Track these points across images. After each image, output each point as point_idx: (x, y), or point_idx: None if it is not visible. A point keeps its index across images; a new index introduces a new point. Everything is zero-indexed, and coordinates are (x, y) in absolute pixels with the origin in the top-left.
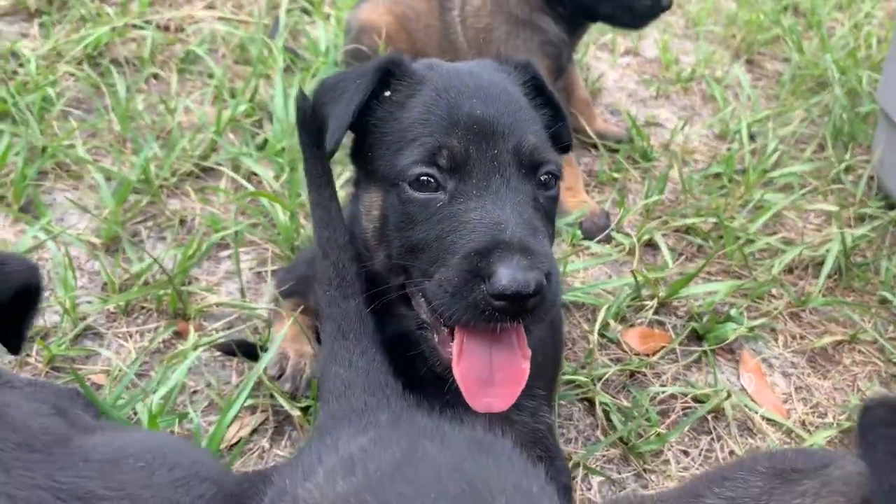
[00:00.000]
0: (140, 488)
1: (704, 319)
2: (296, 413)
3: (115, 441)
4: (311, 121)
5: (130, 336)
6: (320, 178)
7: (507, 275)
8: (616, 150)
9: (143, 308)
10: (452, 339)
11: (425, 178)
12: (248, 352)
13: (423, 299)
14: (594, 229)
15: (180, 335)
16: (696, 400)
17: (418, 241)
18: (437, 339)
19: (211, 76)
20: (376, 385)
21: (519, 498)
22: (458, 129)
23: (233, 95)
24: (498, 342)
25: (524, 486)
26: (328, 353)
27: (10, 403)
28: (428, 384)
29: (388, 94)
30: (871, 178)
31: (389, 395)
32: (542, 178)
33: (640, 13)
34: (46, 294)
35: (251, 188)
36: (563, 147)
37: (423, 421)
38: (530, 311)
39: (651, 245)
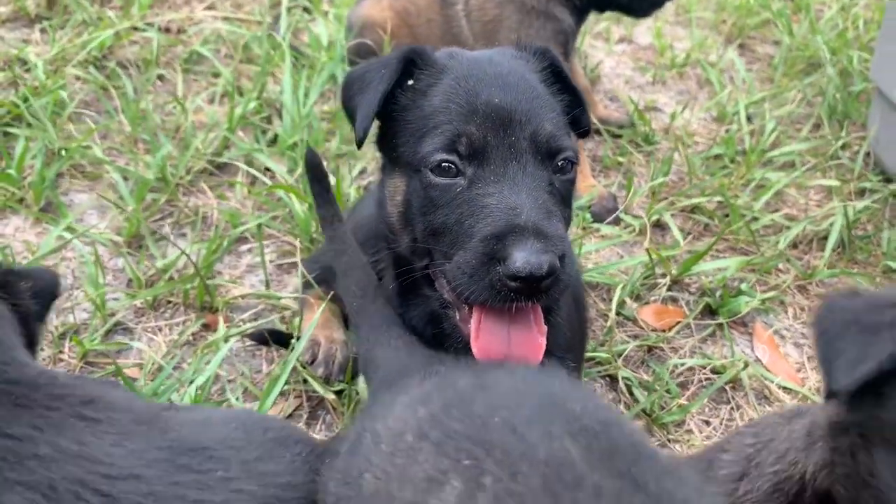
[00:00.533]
0: (241, 442)
1: (717, 294)
2: (330, 396)
3: (199, 412)
4: (319, 170)
5: (160, 330)
6: (332, 216)
7: (521, 257)
8: (619, 136)
9: (169, 302)
10: None
11: (446, 164)
12: (279, 340)
13: (444, 280)
14: (603, 212)
15: (208, 327)
16: (714, 371)
17: (439, 224)
18: (458, 317)
19: (216, 76)
20: (421, 353)
21: (591, 407)
22: (477, 116)
23: (240, 93)
24: (515, 321)
25: (593, 400)
26: (368, 345)
27: (114, 393)
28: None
29: (411, 82)
30: (868, 154)
31: (437, 357)
32: (558, 164)
33: (654, 0)
34: (73, 292)
35: (268, 182)
36: (582, 131)
37: (481, 363)
38: (544, 292)
39: (659, 226)
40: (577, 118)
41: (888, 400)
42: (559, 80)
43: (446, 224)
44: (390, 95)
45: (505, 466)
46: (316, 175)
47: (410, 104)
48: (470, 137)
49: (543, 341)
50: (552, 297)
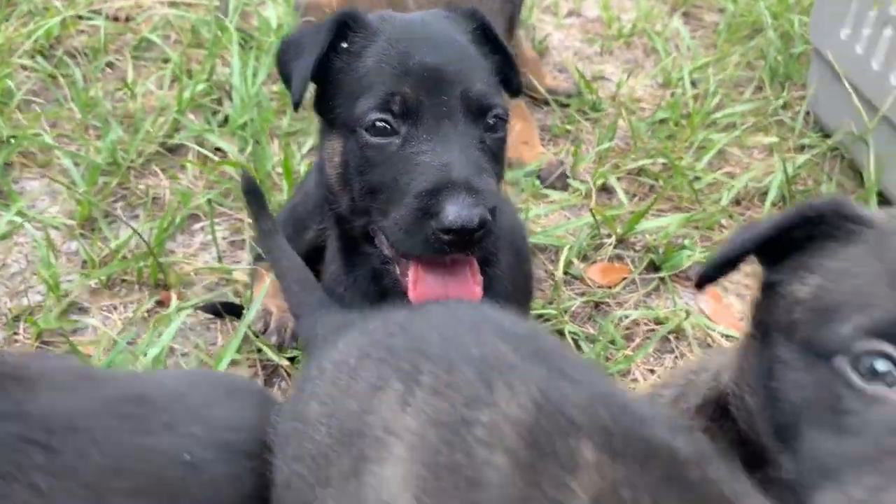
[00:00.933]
0: (187, 388)
1: (661, 251)
2: (284, 363)
3: (140, 373)
4: (254, 190)
5: (115, 308)
6: (270, 230)
7: (453, 211)
8: (567, 105)
9: (124, 281)
10: None
11: (380, 123)
12: (232, 310)
13: (383, 237)
14: (551, 178)
15: (163, 304)
16: (658, 322)
17: (376, 183)
18: (398, 271)
19: (165, 61)
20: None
21: (518, 322)
22: (410, 77)
23: (189, 77)
24: (451, 272)
25: (518, 319)
26: (309, 324)
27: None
28: None
29: (344, 45)
30: (808, 113)
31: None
32: (489, 122)
33: None
34: (27, 276)
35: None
36: (513, 91)
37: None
38: (477, 243)
39: (606, 189)
40: (508, 78)
41: (760, 301)
42: (489, 40)
43: (382, 182)
44: (325, 59)
45: (440, 364)
46: (252, 194)
47: (345, 67)
48: (403, 97)
49: (479, 290)
50: (485, 248)
